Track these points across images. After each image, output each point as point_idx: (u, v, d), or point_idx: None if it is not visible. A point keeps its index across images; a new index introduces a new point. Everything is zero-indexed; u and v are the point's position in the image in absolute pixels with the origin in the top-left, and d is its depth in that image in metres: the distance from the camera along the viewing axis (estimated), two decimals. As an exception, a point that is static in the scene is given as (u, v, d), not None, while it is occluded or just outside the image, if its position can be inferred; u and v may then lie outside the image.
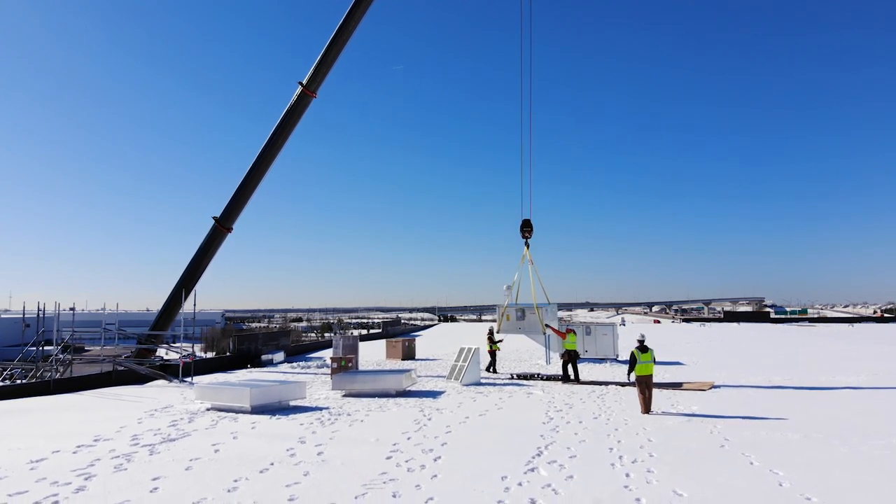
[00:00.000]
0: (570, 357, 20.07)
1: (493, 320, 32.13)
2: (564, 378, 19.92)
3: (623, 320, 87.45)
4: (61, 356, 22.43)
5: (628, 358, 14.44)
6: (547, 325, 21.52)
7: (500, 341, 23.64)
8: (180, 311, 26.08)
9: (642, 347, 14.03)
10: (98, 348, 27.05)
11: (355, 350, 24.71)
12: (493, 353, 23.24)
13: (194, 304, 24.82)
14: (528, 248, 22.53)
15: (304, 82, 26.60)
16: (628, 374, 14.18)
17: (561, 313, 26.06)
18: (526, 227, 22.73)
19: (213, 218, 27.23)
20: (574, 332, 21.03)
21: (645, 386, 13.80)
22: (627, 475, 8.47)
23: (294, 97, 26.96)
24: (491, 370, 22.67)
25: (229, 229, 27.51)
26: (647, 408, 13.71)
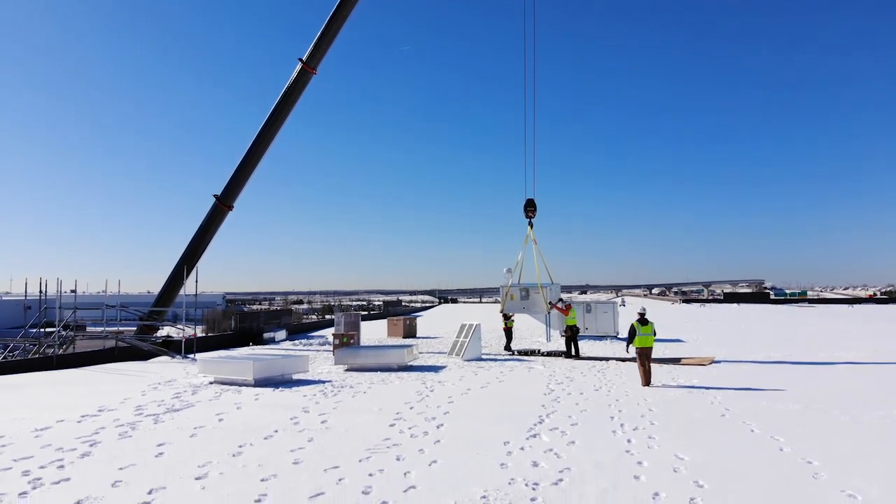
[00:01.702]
0: (573, 333, 20.18)
1: (496, 301, 32.11)
2: (568, 354, 20.02)
3: (623, 301, 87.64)
4: (63, 333, 22.51)
5: (628, 331, 14.51)
6: (550, 303, 21.56)
7: (512, 317, 23.53)
8: (182, 291, 26.08)
9: (642, 320, 14.11)
10: (100, 330, 27.12)
11: (357, 327, 24.79)
12: (508, 331, 23.17)
13: (196, 286, 24.79)
14: (531, 227, 22.39)
15: (305, 59, 26.36)
16: (627, 347, 14.29)
17: (561, 295, 26.03)
18: (530, 207, 22.51)
19: (214, 196, 27.15)
20: (573, 308, 21.22)
21: (645, 358, 13.88)
22: (629, 441, 8.53)
23: (294, 74, 26.74)
24: (514, 351, 22.70)
25: (230, 207, 27.45)
26: (646, 380, 13.79)
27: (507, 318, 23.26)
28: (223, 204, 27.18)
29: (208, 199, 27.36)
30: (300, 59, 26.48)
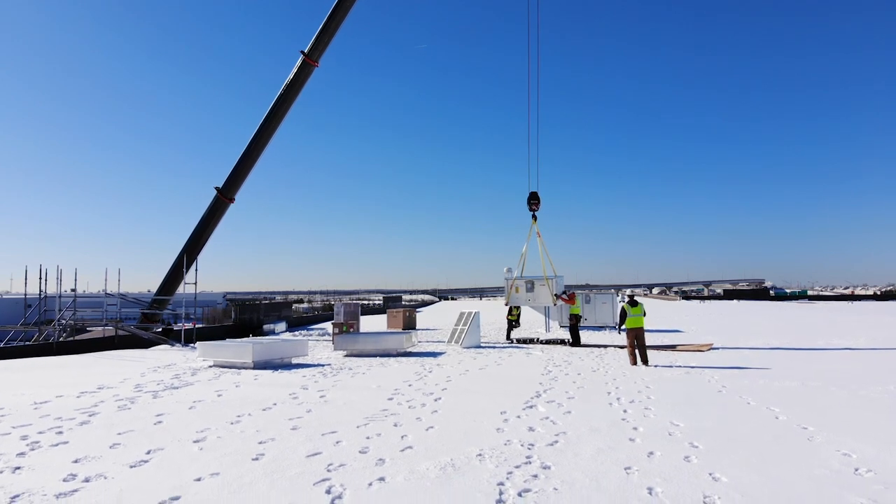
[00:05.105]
0: (577, 321, 20.24)
1: (492, 298, 32.04)
2: (573, 341, 20.04)
3: (623, 297, 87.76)
4: (63, 321, 22.55)
5: (619, 314, 14.72)
6: (556, 295, 21.56)
7: (518, 308, 23.49)
8: (182, 286, 26.04)
9: (632, 302, 14.51)
10: (100, 320, 27.13)
11: (357, 317, 24.82)
12: (511, 322, 23.15)
13: (196, 277, 24.76)
14: (535, 220, 22.27)
15: (306, 51, 26.39)
16: (619, 329, 14.56)
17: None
18: (533, 200, 22.38)
19: (216, 188, 27.15)
20: (577, 297, 21.35)
21: (636, 339, 14.10)
22: (625, 411, 8.56)
23: (296, 67, 26.76)
24: (512, 339, 22.69)
25: (231, 200, 27.43)
26: (634, 360, 14.15)
27: (510, 310, 23.26)
28: (224, 196, 27.18)
29: (207, 199, 27.36)
30: (302, 52, 26.50)
